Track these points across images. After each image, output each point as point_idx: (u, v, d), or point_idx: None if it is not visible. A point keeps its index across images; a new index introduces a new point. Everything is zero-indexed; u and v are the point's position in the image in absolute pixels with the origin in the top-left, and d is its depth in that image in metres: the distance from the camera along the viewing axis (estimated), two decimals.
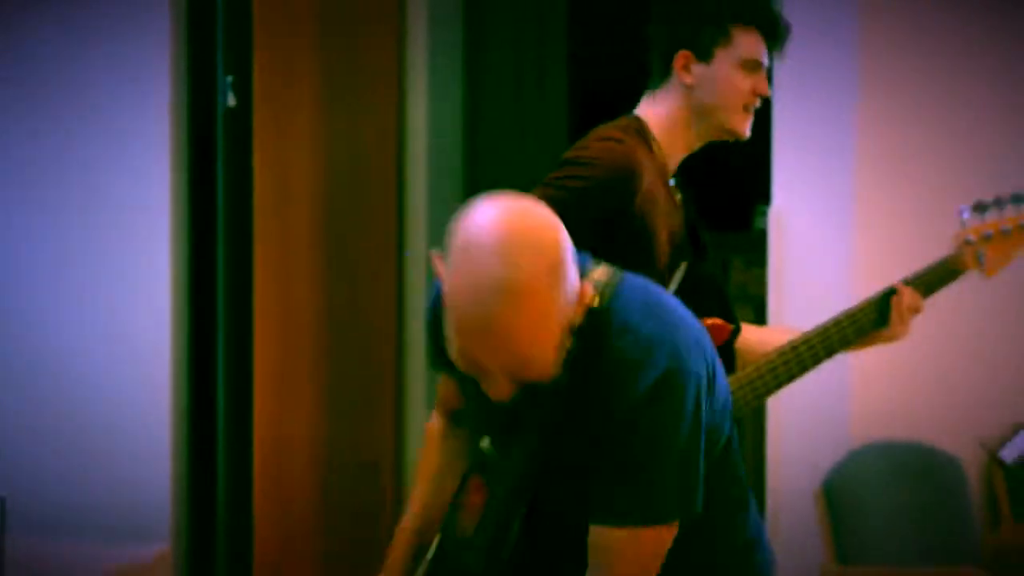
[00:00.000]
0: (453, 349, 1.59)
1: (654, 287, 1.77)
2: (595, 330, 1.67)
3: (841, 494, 3.40)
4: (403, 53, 4.15)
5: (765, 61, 2.39)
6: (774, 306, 3.58)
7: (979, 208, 2.49)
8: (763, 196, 3.76)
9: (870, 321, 2.45)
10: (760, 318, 3.55)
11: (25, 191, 3.46)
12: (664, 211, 2.23)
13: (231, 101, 3.18)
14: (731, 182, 3.25)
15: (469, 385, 1.76)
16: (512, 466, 1.83)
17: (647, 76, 2.43)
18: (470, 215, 1.50)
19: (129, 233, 3.35)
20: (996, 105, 3.83)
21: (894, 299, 2.44)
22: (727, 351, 2.47)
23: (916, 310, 2.46)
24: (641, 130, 2.33)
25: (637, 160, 2.19)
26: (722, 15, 2.40)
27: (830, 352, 2.46)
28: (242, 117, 3.23)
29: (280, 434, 3.27)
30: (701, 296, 2.31)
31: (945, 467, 3.53)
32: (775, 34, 2.40)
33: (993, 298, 3.11)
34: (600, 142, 2.24)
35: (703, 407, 1.66)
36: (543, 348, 1.57)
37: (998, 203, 2.48)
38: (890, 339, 2.48)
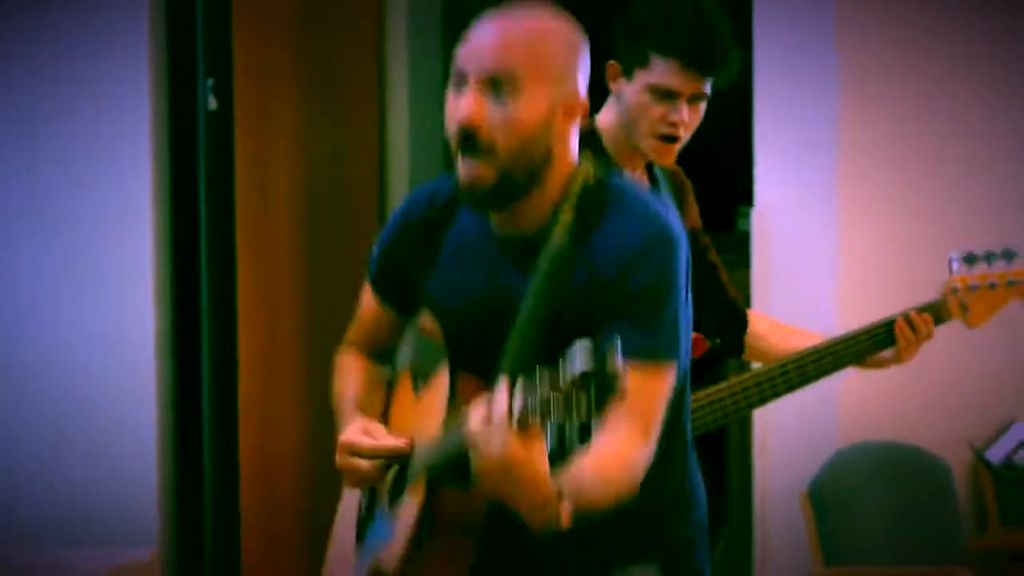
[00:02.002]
0: (458, 56, 1.74)
1: None
2: (593, 199, 1.81)
3: (828, 495, 3.47)
4: (383, 55, 4.20)
5: (684, 90, 2.38)
6: (759, 307, 3.54)
7: (969, 260, 2.54)
8: (745, 197, 3.81)
9: (881, 341, 2.56)
10: None
11: (3, 196, 3.45)
12: None
13: (212, 104, 3.20)
14: (713, 183, 3.23)
15: (444, 307, 1.92)
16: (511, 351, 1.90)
17: None
18: None
19: (112, 237, 3.38)
20: (980, 101, 3.85)
21: (898, 327, 2.54)
22: (711, 362, 2.62)
23: (929, 336, 2.55)
24: (588, 137, 2.40)
25: None
26: (642, 37, 2.41)
27: (837, 367, 2.59)
28: (223, 120, 3.26)
29: (266, 438, 3.32)
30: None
31: (932, 468, 3.58)
32: (703, 63, 2.39)
33: None
34: None
35: (687, 279, 1.84)
36: (533, 88, 1.69)
37: (988, 257, 2.54)
38: (897, 362, 2.58)
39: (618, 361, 1.58)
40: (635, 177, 2.48)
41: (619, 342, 1.58)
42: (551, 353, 1.65)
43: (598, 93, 2.48)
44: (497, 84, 1.72)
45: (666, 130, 2.34)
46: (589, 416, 1.64)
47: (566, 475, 1.75)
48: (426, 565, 1.91)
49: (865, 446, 3.66)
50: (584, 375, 1.57)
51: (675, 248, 1.83)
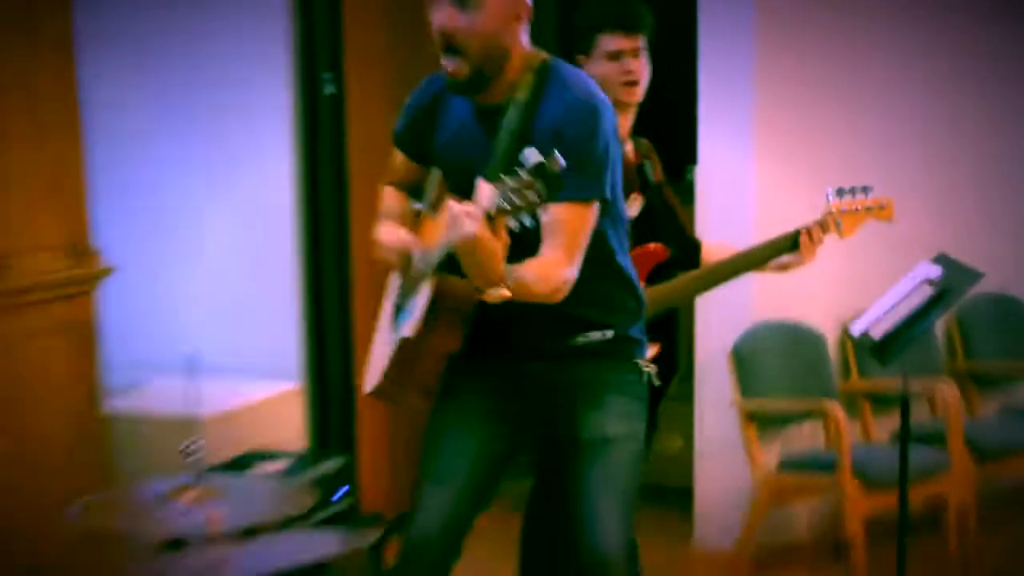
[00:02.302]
0: None
1: None
2: (547, 71, 2.30)
3: (746, 353, 4.34)
4: None
5: (625, 47, 2.94)
6: (701, 234, 3.80)
7: (839, 192, 3.19)
8: (690, 158, 4.48)
9: (787, 247, 3.13)
10: None
11: (183, 150, 4.25)
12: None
13: (329, 90, 4.14)
14: (669, 148, 3.76)
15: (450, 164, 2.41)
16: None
17: None
18: None
19: (261, 183, 4.22)
20: (881, 59, 4.57)
21: (803, 236, 3.09)
22: (667, 270, 3.17)
23: (820, 242, 3.09)
24: None
25: None
26: (586, 27, 3.02)
27: (755, 265, 3.18)
28: (338, 102, 4.19)
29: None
30: (657, 220, 3.14)
31: (815, 338, 4.53)
32: (628, 25, 2.95)
33: None
34: None
35: (613, 139, 2.25)
36: (491, 2, 2.19)
37: (852, 191, 3.19)
38: (799, 264, 3.15)
39: (559, 161, 1.98)
40: (626, 138, 3.05)
41: (557, 152, 1.98)
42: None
43: None
44: (463, 1, 2.21)
45: (625, 78, 2.92)
46: (541, 202, 2.03)
47: (514, 268, 2.15)
48: (433, 334, 2.35)
49: (770, 322, 4.51)
50: (538, 164, 1.99)
51: (600, 112, 2.26)
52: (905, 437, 3.70)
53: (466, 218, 2.00)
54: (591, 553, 2.38)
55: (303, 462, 3.63)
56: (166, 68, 4.25)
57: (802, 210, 3.18)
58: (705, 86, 4.35)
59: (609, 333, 2.46)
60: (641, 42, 2.94)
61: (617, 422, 2.49)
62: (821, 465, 4.20)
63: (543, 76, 2.35)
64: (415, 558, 2.43)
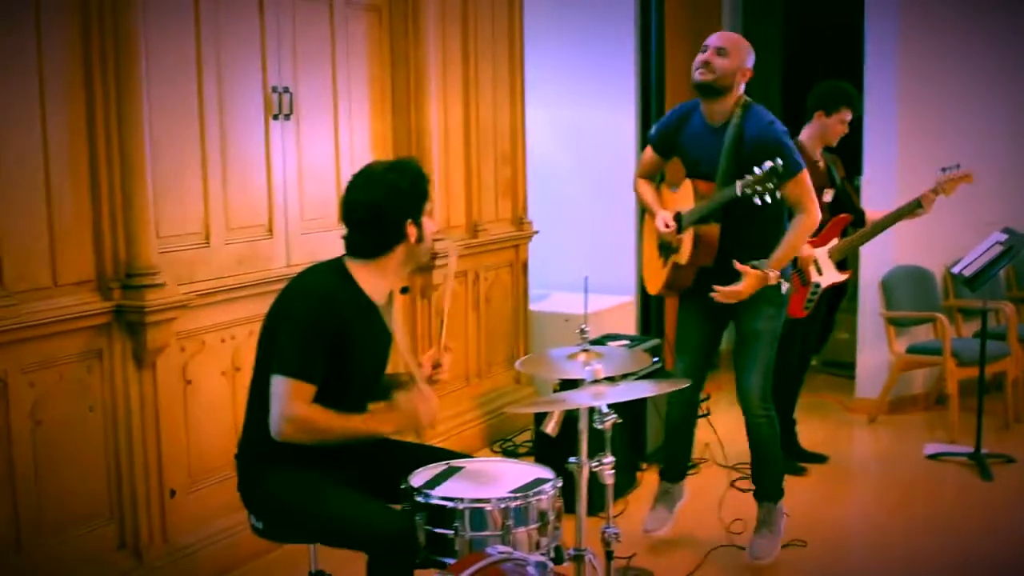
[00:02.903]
0: (701, 54, 3.40)
1: None
2: (748, 107, 3.46)
3: (888, 283, 5.82)
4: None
5: (849, 117, 4.52)
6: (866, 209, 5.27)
7: (943, 170, 4.60)
8: (858, 170, 5.76)
9: (915, 207, 4.64)
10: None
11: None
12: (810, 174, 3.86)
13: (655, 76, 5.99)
14: (845, 159, 5.05)
15: (690, 158, 3.66)
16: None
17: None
18: None
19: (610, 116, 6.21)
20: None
21: (924, 197, 4.56)
22: (845, 231, 4.70)
23: (933, 201, 4.53)
24: (799, 145, 4.29)
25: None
26: (837, 100, 4.67)
27: (897, 220, 4.72)
28: (662, 88, 6.24)
29: None
30: (842, 201, 4.88)
31: (928, 274, 5.93)
32: (853, 107, 4.65)
33: None
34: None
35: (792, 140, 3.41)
36: (732, 57, 3.40)
37: (948, 168, 4.60)
38: (923, 214, 4.61)
39: (779, 163, 3.19)
40: (820, 156, 4.61)
41: (779, 162, 3.24)
42: (739, 173, 3.38)
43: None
44: (720, 50, 3.47)
45: (844, 131, 4.64)
46: (774, 190, 3.17)
47: (786, 237, 3.47)
48: (694, 259, 3.57)
49: (902, 265, 5.89)
50: (772, 168, 3.25)
51: (777, 128, 3.46)
52: (984, 334, 5.17)
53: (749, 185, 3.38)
54: (741, 389, 3.91)
55: (636, 340, 5.02)
56: None
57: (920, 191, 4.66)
58: (868, 125, 5.88)
59: (765, 263, 3.60)
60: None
61: (764, 321, 3.78)
62: (932, 351, 5.69)
63: (746, 110, 3.58)
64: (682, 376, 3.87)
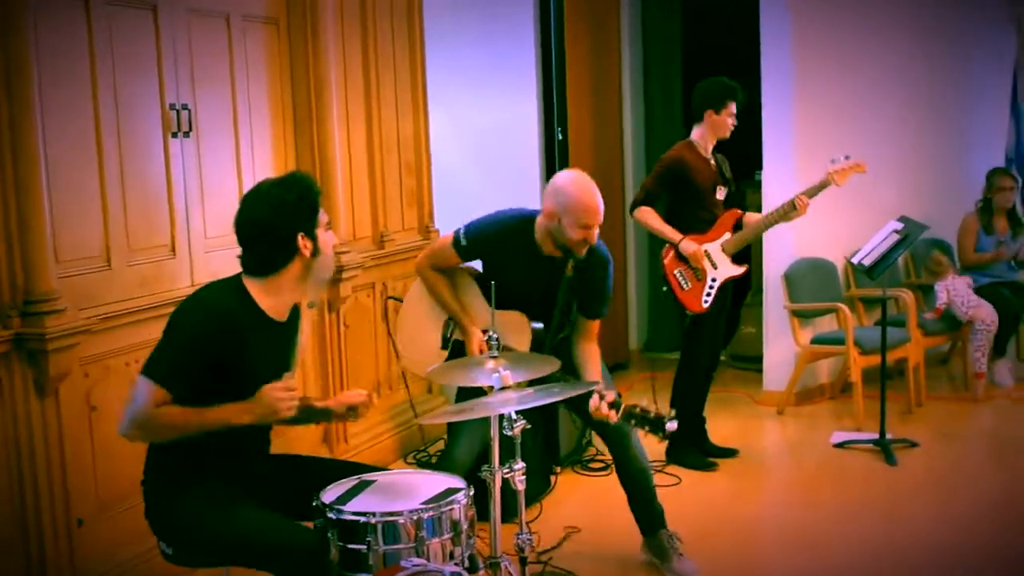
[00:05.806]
0: (585, 224, 3.49)
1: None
2: (592, 252, 3.67)
3: (791, 275, 6.02)
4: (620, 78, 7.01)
5: (735, 110, 4.96)
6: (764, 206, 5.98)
7: (833, 161, 4.73)
8: (758, 164, 6.07)
9: (790, 210, 4.83)
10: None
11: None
12: (702, 172, 4.89)
13: (559, 137, 6.34)
14: (745, 158, 5.80)
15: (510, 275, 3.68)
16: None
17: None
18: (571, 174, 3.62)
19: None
20: None
21: (797, 200, 4.76)
22: (738, 225, 4.92)
23: (806, 203, 4.74)
24: (690, 144, 4.96)
25: (684, 158, 4.92)
26: (722, 96, 4.98)
27: (777, 221, 4.92)
28: (564, 145, 6.42)
29: None
30: (733, 197, 5.16)
31: (829, 265, 6.16)
32: (738, 99, 5.01)
33: None
34: (668, 155, 5.02)
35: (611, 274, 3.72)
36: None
37: (838, 159, 4.76)
38: (798, 216, 4.82)
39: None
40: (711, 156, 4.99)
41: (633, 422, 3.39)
42: (569, 308, 3.74)
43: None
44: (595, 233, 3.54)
45: (734, 123, 4.94)
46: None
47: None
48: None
49: (804, 257, 6.10)
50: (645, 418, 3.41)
51: (609, 266, 3.76)
52: (884, 322, 5.37)
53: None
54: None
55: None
56: None
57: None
58: (766, 120, 6.07)
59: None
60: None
61: None
62: (836, 340, 5.93)
63: (591, 253, 3.81)
64: None
